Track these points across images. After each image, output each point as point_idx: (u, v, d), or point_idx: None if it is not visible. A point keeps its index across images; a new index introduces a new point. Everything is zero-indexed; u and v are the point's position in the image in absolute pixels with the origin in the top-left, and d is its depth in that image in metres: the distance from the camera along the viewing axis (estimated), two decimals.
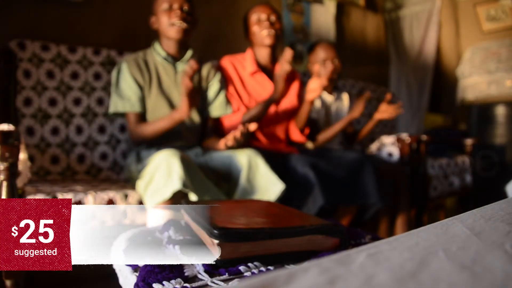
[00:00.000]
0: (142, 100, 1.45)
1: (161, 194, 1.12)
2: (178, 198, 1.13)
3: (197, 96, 1.31)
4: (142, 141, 1.44)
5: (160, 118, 1.40)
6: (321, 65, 1.92)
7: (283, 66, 1.53)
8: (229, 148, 1.35)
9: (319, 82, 1.57)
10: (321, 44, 1.96)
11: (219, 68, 1.67)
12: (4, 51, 1.50)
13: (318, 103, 1.93)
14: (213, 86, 1.58)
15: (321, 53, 1.92)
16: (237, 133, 1.30)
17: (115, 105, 1.43)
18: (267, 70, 1.74)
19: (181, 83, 1.29)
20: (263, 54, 1.71)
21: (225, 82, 1.65)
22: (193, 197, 1.14)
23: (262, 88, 1.70)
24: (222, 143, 1.36)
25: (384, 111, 1.87)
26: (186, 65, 1.52)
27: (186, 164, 1.15)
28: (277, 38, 1.68)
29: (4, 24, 1.62)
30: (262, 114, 1.60)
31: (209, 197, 1.17)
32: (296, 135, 1.77)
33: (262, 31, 1.63)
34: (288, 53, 1.50)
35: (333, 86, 2.06)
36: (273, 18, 1.66)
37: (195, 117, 1.54)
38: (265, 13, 1.65)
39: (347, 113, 2.06)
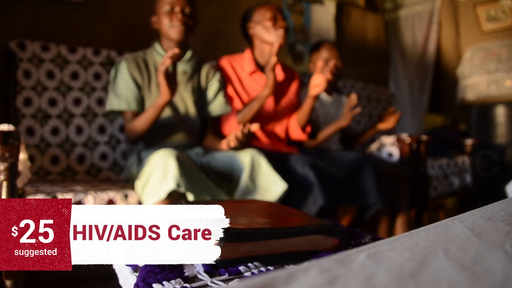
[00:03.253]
0: (139, 100, 1.44)
1: (157, 194, 1.12)
2: (176, 198, 1.13)
3: (175, 80, 1.29)
4: (136, 138, 1.43)
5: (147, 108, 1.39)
6: (324, 64, 1.91)
7: (271, 60, 1.48)
8: (231, 148, 1.35)
9: (323, 76, 1.55)
10: (325, 44, 1.96)
11: (218, 68, 1.67)
12: (4, 51, 1.50)
13: (316, 103, 1.91)
14: (213, 86, 1.58)
15: (324, 53, 1.93)
16: (238, 133, 1.30)
17: (111, 103, 1.44)
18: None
19: (159, 65, 1.26)
20: (265, 53, 1.70)
21: (224, 81, 1.65)
22: (190, 197, 1.14)
23: (261, 87, 1.70)
24: (224, 144, 1.36)
25: (387, 122, 1.97)
26: (186, 66, 1.52)
27: (182, 163, 1.15)
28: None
29: (4, 24, 1.62)
30: (256, 110, 1.58)
31: (208, 197, 1.17)
32: (297, 133, 1.76)
33: (278, 30, 1.62)
34: (275, 46, 1.48)
35: (332, 87, 2.06)
36: (285, 20, 1.67)
37: (195, 117, 1.54)
38: (280, 14, 1.66)
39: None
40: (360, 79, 2.67)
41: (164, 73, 1.24)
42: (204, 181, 1.20)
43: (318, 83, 1.56)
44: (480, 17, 3.33)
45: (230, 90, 1.66)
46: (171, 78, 1.28)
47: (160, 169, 1.13)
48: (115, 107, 1.43)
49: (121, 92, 1.43)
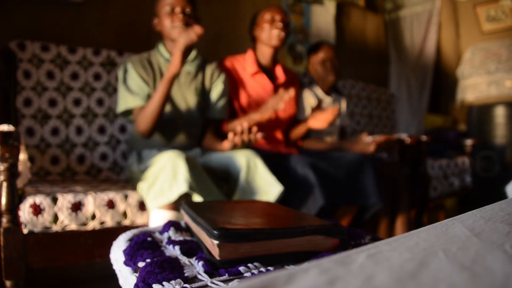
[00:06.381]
0: (149, 97, 1.44)
1: (166, 196, 1.12)
2: (180, 199, 1.13)
3: (187, 55, 1.31)
4: (150, 127, 1.37)
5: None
6: (321, 65, 1.91)
7: (277, 104, 1.48)
8: (233, 148, 1.35)
9: (327, 119, 1.62)
10: (322, 45, 1.96)
11: (223, 69, 1.66)
12: (4, 51, 1.50)
13: (313, 102, 1.90)
14: (217, 87, 1.57)
15: (321, 54, 1.92)
16: (244, 136, 1.30)
17: (126, 101, 1.41)
18: (267, 70, 1.74)
19: (184, 36, 1.25)
20: (265, 54, 1.71)
21: (228, 83, 1.65)
22: (197, 198, 1.13)
23: (262, 88, 1.70)
24: (226, 144, 1.36)
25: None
26: (189, 66, 1.52)
27: (192, 165, 1.15)
28: (284, 42, 1.69)
29: (4, 24, 1.62)
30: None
31: (212, 198, 1.17)
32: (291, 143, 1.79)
33: (273, 30, 1.64)
34: (286, 96, 1.46)
35: (332, 86, 2.05)
36: (286, 21, 1.68)
37: (197, 117, 1.54)
38: (280, 15, 1.67)
39: (345, 117, 2.05)
40: (360, 79, 2.67)
41: (184, 48, 1.25)
42: (208, 182, 1.20)
43: (323, 119, 1.63)
44: (480, 17, 3.34)
45: (231, 91, 1.66)
46: (185, 53, 1.28)
47: (170, 170, 1.12)
48: (130, 104, 1.40)
49: (134, 90, 1.42)
